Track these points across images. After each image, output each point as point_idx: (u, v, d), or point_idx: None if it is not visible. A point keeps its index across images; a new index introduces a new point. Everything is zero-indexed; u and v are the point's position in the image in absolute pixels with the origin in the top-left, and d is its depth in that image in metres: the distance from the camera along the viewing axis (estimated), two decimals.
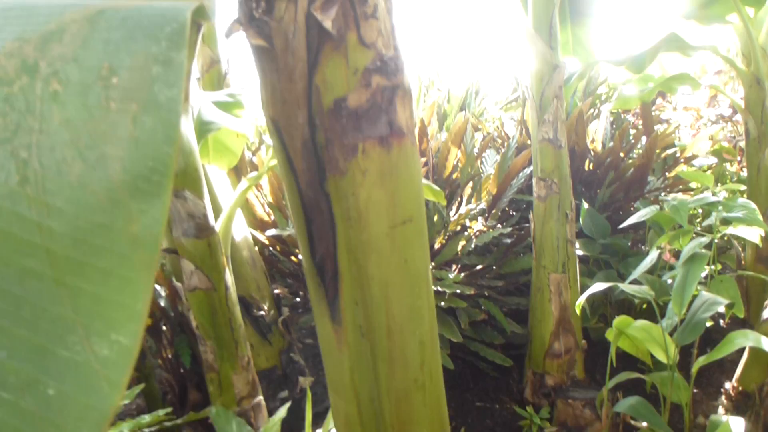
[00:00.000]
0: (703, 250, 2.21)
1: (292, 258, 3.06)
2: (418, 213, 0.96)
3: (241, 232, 2.63)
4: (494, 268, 3.09)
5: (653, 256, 2.41)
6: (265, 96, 0.84)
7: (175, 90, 0.59)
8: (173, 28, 0.60)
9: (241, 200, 1.79)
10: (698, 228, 2.80)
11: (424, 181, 2.09)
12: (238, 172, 2.83)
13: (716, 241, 2.54)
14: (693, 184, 3.91)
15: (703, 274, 2.47)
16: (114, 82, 0.59)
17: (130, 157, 0.57)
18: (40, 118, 0.58)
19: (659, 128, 5.23)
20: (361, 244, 0.90)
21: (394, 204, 0.90)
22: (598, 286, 2.24)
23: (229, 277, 1.69)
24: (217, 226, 1.70)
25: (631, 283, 2.67)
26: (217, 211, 2.11)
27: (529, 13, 2.71)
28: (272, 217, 3.06)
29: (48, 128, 0.58)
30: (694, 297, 2.26)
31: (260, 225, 3.06)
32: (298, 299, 3.37)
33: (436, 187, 2.03)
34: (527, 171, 3.26)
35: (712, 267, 2.61)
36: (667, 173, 4.09)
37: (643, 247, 3.71)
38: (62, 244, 0.56)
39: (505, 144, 3.99)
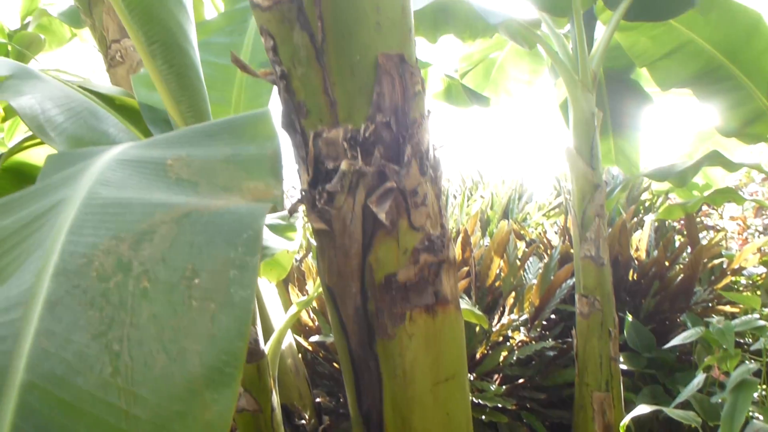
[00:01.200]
0: (753, 377, 2.18)
1: (334, 364, 3.09)
2: (461, 370, 1.01)
3: (286, 339, 2.70)
4: (537, 379, 3.07)
5: (700, 378, 2.37)
6: (323, 267, 0.92)
7: (248, 291, 0.67)
8: (249, 235, 0.69)
9: (290, 323, 1.86)
10: (747, 352, 2.75)
11: (467, 307, 2.14)
12: (285, 279, 2.93)
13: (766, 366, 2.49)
14: None
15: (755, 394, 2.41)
16: (196, 282, 0.68)
17: (207, 352, 0.65)
18: (131, 312, 0.67)
19: (705, 235, 5.19)
20: (406, 399, 0.96)
21: (438, 363, 0.96)
22: (642, 409, 2.21)
23: (275, 399, 1.75)
24: (266, 347, 1.77)
25: (678, 405, 2.61)
26: (266, 326, 2.19)
27: (571, 132, 2.81)
28: (316, 323, 3.12)
29: (138, 322, 0.67)
30: (746, 424, 2.20)
31: (304, 330, 3.13)
32: (336, 403, 3.38)
33: (479, 312, 2.07)
34: (570, 282, 3.28)
35: (764, 392, 2.54)
36: (714, 284, 4.03)
37: (691, 358, 3.63)
38: (145, 430, 0.63)
39: (548, 251, 4.02)
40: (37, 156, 1.76)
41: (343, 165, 0.80)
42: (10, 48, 2.98)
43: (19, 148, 1.66)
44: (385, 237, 0.85)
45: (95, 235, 0.73)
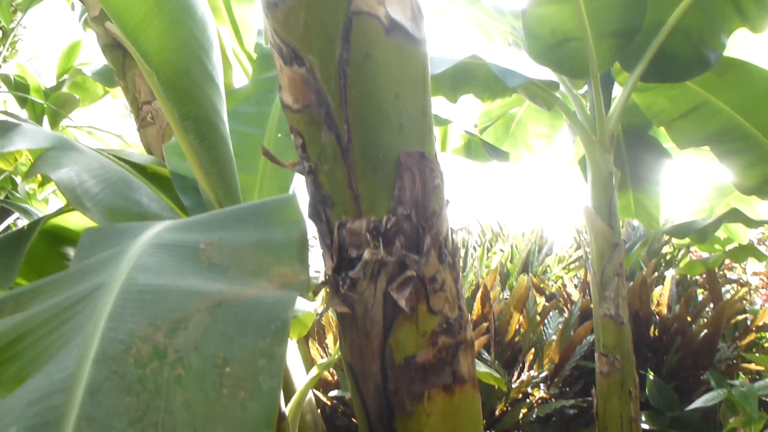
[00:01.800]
0: None
1: (353, 419, 3.09)
2: None
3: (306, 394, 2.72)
4: None
5: None
6: (345, 347, 0.96)
7: (276, 380, 0.71)
8: (277, 326, 0.74)
9: (312, 384, 1.89)
10: None
11: (485, 369, 2.15)
12: (305, 334, 2.96)
13: None
14: None
15: None
16: (227, 371, 0.72)
17: None
18: (166, 399, 0.71)
19: (728, 289, 5.15)
20: None
21: None
22: None
23: None
24: (287, 408, 1.80)
25: None
26: (287, 385, 2.22)
27: (589, 190, 2.84)
28: (335, 377, 3.14)
29: (172, 408, 0.71)
30: None
31: (323, 384, 3.14)
32: None
33: (497, 374, 2.09)
34: (590, 339, 3.27)
35: None
36: (738, 341, 3.99)
37: (716, 417, 3.56)
38: None
39: (569, 305, 4.02)
40: (72, 220, 1.84)
41: (366, 254, 0.84)
42: (46, 107, 3.11)
43: (56, 213, 1.74)
44: (405, 321, 0.89)
45: (133, 322, 0.78)
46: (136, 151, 4.10)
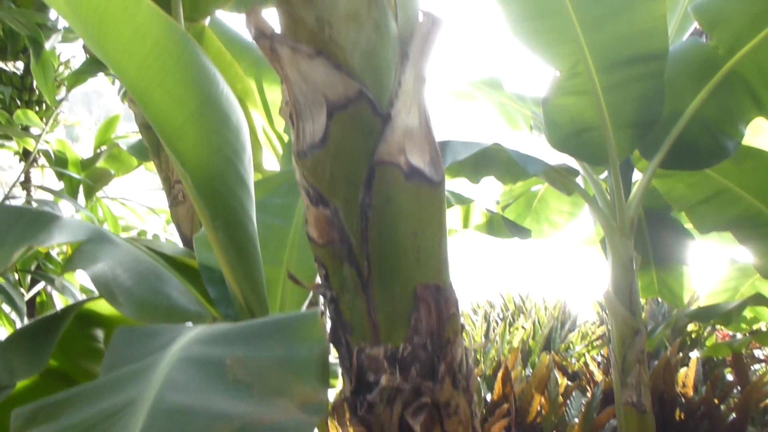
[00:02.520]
0: None
1: None
2: None
3: None
4: None
5: None
6: None
7: None
8: None
9: None
10: None
11: None
12: None
13: None
14: None
15: None
16: None
17: None
18: None
19: (757, 368, 5.03)
20: None
21: None
22: None
23: None
24: None
25: None
26: None
27: (609, 275, 2.86)
28: None
29: None
30: None
31: None
32: None
33: None
34: (613, 423, 3.22)
35: None
36: None
37: None
38: None
39: (591, 384, 3.97)
40: (103, 305, 1.90)
41: (383, 380, 0.88)
42: (82, 182, 3.24)
43: (89, 300, 1.81)
44: None
45: None
46: (164, 216, 4.21)
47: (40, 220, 1.63)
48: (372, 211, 0.87)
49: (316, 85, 0.83)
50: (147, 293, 1.56)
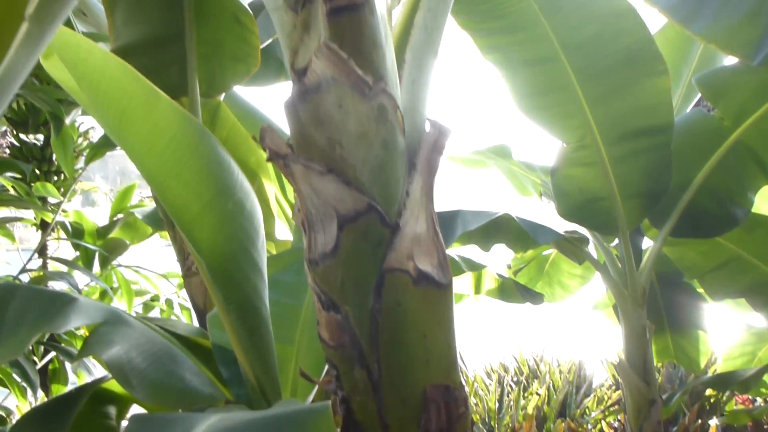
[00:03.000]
0: None
1: None
2: None
3: None
4: None
5: None
6: None
7: None
8: None
9: None
10: None
11: None
12: None
13: None
14: None
15: None
16: None
17: None
18: None
19: None
20: None
21: None
22: None
23: None
24: None
25: None
26: None
27: (622, 344, 2.84)
28: None
29: None
30: None
31: None
32: None
33: None
34: None
35: None
36: None
37: None
38: None
39: None
40: (116, 384, 1.91)
41: None
42: (97, 253, 3.29)
43: (102, 380, 1.82)
44: None
45: None
46: (176, 280, 4.24)
47: (56, 303, 1.66)
48: (382, 316, 0.89)
49: (327, 199, 0.87)
50: (161, 375, 1.57)
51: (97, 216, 5.61)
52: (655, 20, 2.81)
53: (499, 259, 4.25)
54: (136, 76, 1.33)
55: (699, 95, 3.27)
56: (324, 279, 0.91)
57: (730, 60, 2.90)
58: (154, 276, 4.00)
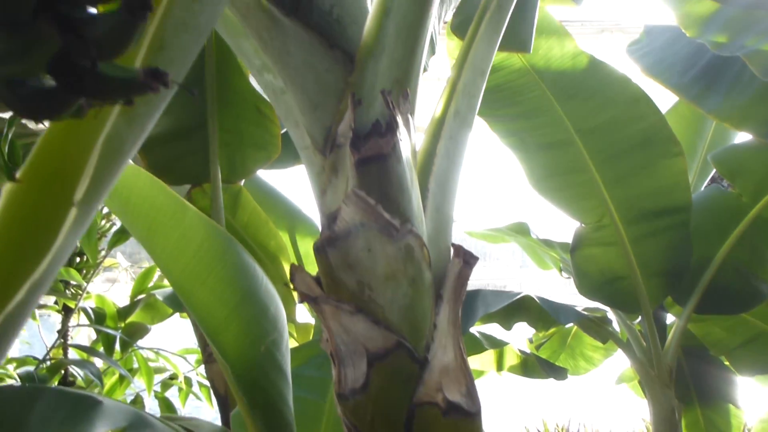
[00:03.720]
0: None
1: None
2: None
3: None
4: None
5: None
6: None
7: None
8: None
9: None
10: None
11: None
12: None
13: None
14: None
15: None
16: None
17: None
18: None
19: None
20: None
21: None
22: None
23: None
24: None
25: None
26: None
27: (651, 422, 2.78)
28: None
29: None
30: None
31: None
32: None
33: None
34: None
35: None
36: None
37: None
38: None
39: None
40: None
41: None
42: (119, 337, 3.31)
43: None
44: None
45: None
46: (194, 356, 4.22)
47: (81, 406, 1.66)
48: None
49: (357, 337, 0.88)
50: None
51: (118, 292, 5.67)
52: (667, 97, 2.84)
53: (521, 332, 4.21)
54: (164, 189, 1.37)
55: (714, 171, 3.29)
56: (354, 414, 0.91)
57: (744, 134, 2.93)
58: (172, 356, 4.00)
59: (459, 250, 0.96)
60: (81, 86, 0.45)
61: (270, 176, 3.32)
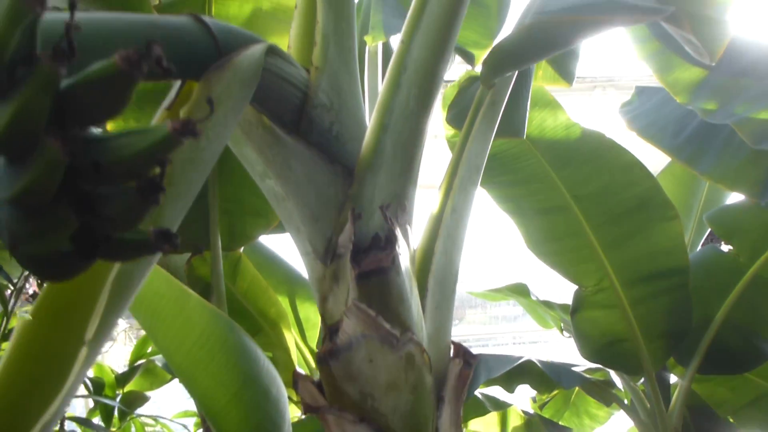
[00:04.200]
0: None
1: None
2: None
3: None
4: None
5: None
6: None
7: None
8: None
9: None
10: None
11: None
12: None
13: None
14: None
15: None
16: None
17: None
18: None
19: None
20: None
21: None
22: None
23: None
24: None
25: None
26: None
27: None
28: None
29: None
30: None
31: None
32: None
33: None
34: None
35: None
36: None
37: None
38: None
39: None
40: None
41: None
42: (117, 407, 3.27)
43: None
44: None
45: None
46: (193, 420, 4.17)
47: None
48: None
49: None
50: None
51: (116, 351, 5.66)
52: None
53: (524, 392, 4.17)
54: (167, 278, 1.39)
55: (709, 230, 3.31)
56: None
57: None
58: (171, 422, 3.95)
59: (459, 349, 0.97)
60: (96, 252, 0.47)
61: (269, 241, 3.33)
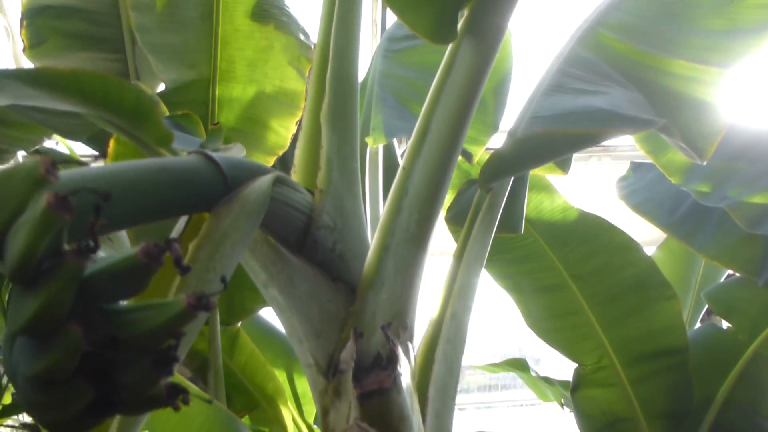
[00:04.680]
0: None
1: None
2: None
3: None
4: None
5: None
6: None
7: None
8: None
9: None
10: None
11: None
12: None
13: None
14: None
15: None
16: None
17: None
18: None
19: None
20: None
21: None
22: None
23: None
24: None
25: None
26: None
27: None
28: None
29: None
30: None
31: None
32: None
33: None
34: None
35: None
36: None
37: None
38: None
39: None
40: None
41: None
42: None
43: None
44: None
45: None
46: None
47: None
48: None
49: None
50: None
51: None
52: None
53: None
54: None
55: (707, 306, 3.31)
56: None
57: None
58: None
59: None
60: (110, 413, 0.49)
61: (267, 313, 3.32)
